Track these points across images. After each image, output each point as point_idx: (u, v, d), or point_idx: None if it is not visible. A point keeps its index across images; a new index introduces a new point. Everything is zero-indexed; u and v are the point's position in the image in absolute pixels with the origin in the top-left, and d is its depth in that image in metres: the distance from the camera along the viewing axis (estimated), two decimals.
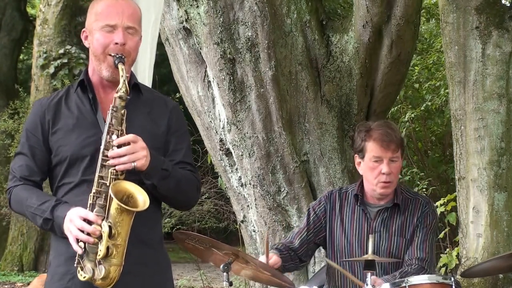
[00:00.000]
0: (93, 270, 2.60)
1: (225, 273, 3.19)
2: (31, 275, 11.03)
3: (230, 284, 3.19)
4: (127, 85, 2.66)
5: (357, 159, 3.61)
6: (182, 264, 12.11)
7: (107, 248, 2.57)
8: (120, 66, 2.67)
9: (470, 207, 5.01)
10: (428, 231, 3.57)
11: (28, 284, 9.77)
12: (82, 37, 2.83)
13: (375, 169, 3.49)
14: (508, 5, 7.47)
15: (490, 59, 5.01)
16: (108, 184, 2.61)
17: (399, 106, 8.15)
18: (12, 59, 13.90)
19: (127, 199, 2.61)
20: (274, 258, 3.46)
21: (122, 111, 2.67)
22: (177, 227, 9.19)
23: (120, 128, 2.66)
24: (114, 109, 2.66)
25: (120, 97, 2.66)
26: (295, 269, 3.69)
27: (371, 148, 3.49)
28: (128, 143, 2.63)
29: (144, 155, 2.64)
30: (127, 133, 2.66)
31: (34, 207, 2.72)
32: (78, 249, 2.60)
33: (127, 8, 2.77)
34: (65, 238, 2.64)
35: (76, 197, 2.72)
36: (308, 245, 3.64)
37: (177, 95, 6.86)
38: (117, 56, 2.69)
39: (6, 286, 10.36)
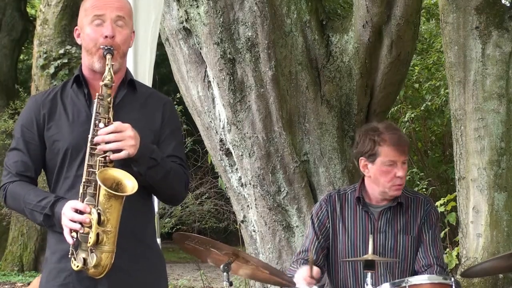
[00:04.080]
0: (85, 259, 2.61)
1: (225, 273, 3.20)
2: (31, 275, 11.04)
3: (230, 284, 3.20)
4: (112, 73, 2.69)
5: (363, 162, 3.56)
6: (182, 264, 12.12)
7: (97, 235, 2.57)
8: (108, 56, 2.70)
9: (470, 207, 5.01)
10: (435, 228, 3.61)
11: (28, 284, 9.77)
12: (75, 35, 2.87)
13: (389, 173, 3.49)
14: (508, 5, 7.47)
15: (490, 59, 5.01)
16: (97, 172, 2.63)
17: (399, 106, 8.16)
18: (12, 59, 13.90)
19: (116, 186, 2.62)
20: (316, 269, 3.40)
21: (109, 99, 2.69)
22: (177, 227, 9.20)
23: (107, 116, 2.68)
24: (100, 97, 2.68)
25: (105, 85, 2.69)
26: (317, 282, 3.67)
27: (387, 152, 3.48)
28: (115, 132, 2.65)
29: (132, 144, 2.65)
30: (115, 122, 2.69)
31: (33, 204, 2.73)
32: (69, 239, 2.61)
33: (116, 1, 2.82)
34: (63, 234, 2.65)
35: (73, 191, 2.73)
36: (322, 252, 3.63)
37: (177, 95, 6.86)
38: (106, 47, 2.72)
39: (6, 286, 10.36)
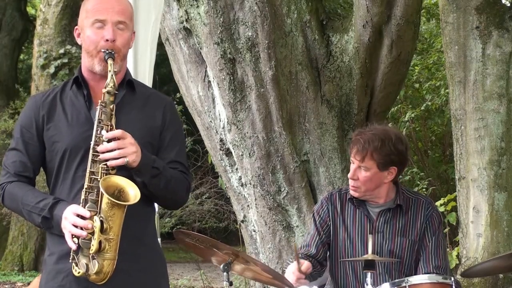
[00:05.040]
0: (87, 265, 2.61)
1: (225, 273, 3.20)
2: (31, 275, 11.04)
3: (230, 284, 3.20)
4: (115, 79, 2.69)
5: None
6: (182, 264, 12.12)
7: (100, 242, 2.58)
8: (109, 61, 2.69)
9: (470, 207, 5.01)
10: (438, 234, 3.57)
11: (28, 284, 9.78)
12: (75, 34, 2.86)
13: (350, 171, 3.55)
14: (508, 5, 7.46)
15: (490, 59, 5.01)
16: (99, 179, 2.63)
17: (399, 106, 8.15)
18: (13, 59, 13.91)
19: (118, 193, 2.63)
20: (306, 264, 3.40)
21: (111, 106, 2.69)
22: (177, 227, 9.20)
23: (109, 123, 2.68)
24: (103, 104, 2.68)
25: (108, 92, 2.68)
26: (318, 276, 3.67)
27: (350, 150, 3.57)
28: (118, 139, 2.65)
29: (134, 151, 2.66)
30: (120, 129, 2.69)
31: (31, 205, 2.73)
32: (72, 244, 2.61)
33: (118, 4, 2.80)
34: (61, 236, 2.66)
35: (72, 192, 2.73)
36: (323, 248, 3.63)
37: (177, 95, 6.86)
38: (107, 51, 2.71)
39: (6, 286, 10.36)
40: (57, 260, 2.75)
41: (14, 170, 2.80)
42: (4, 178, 2.82)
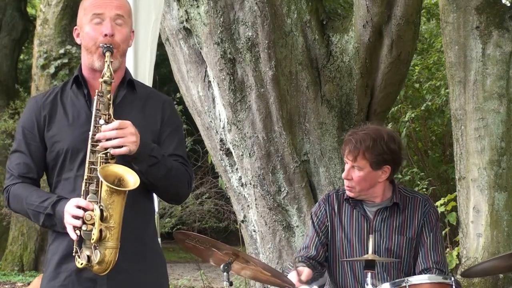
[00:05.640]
0: (89, 256, 2.60)
1: (225, 273, 3.20)
2: (32, 275, 11.04)
3: (230, 284, 3.20)
4: (111, 69, 2.69)
5: None
6: (182, 264, 12.12)
7: (100, 231, 2.57)
8: (107, 54, 2.70)
9: (470, 207, 5.01)
10: (436, 231, 3.57)
11: (29, 284, 9.77)
12: (74, 34, 2.87)
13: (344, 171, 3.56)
14: (508, 5, 7.46)
15: (490, 59, 5.01)
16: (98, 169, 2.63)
17: (399, 106, 8.15)
18: (13, 59, 13.91)
19: (118, 182, 2.61)
20: (306, 272, 3.39)
21: (108, 96, 2.69)
22: (177, 227, 9.21)
23: (107, 112, 2.68)
24: (100, 94, 2.68)
25: (105, 82, 2.68)
26: (319, 277, 3.67)
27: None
28: (117, 129, 2.65)
29: (134, 141, 2.65)
30: (118, 120, 2.69)
31: (35, 205, 2.72)
32: (73, 235, 2.60)
33: (115, 0, 2.82)
34: (64, 234, 2.65)
35: (75, 192, 2.72)
36: (323, 249, 3.63)
37: (178, 95, 6.86)
38: (105, 46, 2.72)
39: (6, 286, 10.36)
40: (59, 260, 2.75)
41: (18, 172, 2.80)
42: (8, 181, 2.82)
